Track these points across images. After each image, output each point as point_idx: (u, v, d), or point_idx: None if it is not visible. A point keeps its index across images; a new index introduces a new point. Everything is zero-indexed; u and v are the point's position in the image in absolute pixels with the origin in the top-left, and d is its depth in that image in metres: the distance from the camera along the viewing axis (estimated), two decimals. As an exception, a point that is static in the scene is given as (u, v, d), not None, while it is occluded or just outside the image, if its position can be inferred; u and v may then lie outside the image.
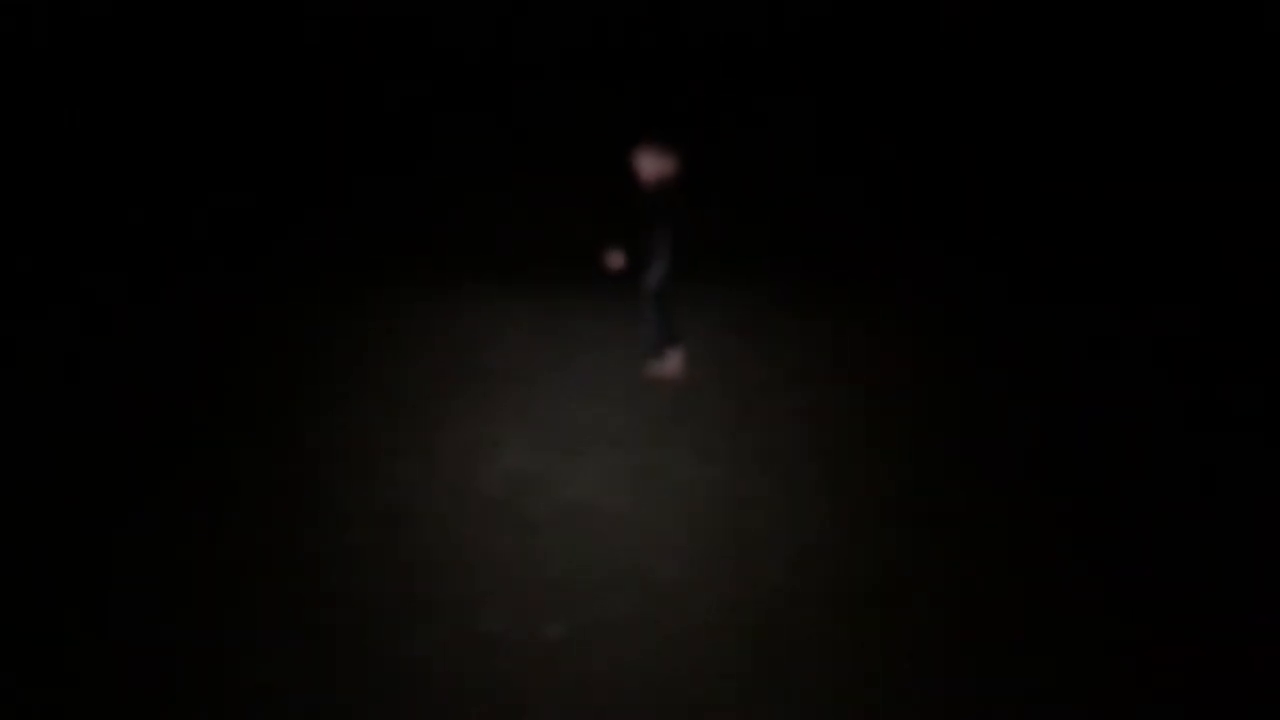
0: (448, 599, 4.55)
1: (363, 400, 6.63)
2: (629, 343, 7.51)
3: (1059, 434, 6.27)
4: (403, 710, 3.88)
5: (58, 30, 14.45)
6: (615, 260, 6.72)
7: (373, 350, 7.52)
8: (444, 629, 4.35)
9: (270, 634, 4.29)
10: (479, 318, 8.23)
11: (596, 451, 5.96)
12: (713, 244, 9.70)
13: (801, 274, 9.59)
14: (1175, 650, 4.25)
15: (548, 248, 10.16)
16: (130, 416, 6.35)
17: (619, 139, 7.19)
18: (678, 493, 5.53)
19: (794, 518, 5.28)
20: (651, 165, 6.63)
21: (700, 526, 5.19)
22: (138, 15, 14.95)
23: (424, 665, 4.12)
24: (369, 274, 9.40)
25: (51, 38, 14.38)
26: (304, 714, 3.84)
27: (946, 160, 13.33)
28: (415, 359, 7.35)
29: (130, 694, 3.93)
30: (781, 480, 5.66)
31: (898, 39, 15.96)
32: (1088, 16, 15.15)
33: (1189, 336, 7.97)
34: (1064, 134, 13.83)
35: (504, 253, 10.12)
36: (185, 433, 6.13)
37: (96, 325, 8.08)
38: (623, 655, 4.19)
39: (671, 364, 7.04)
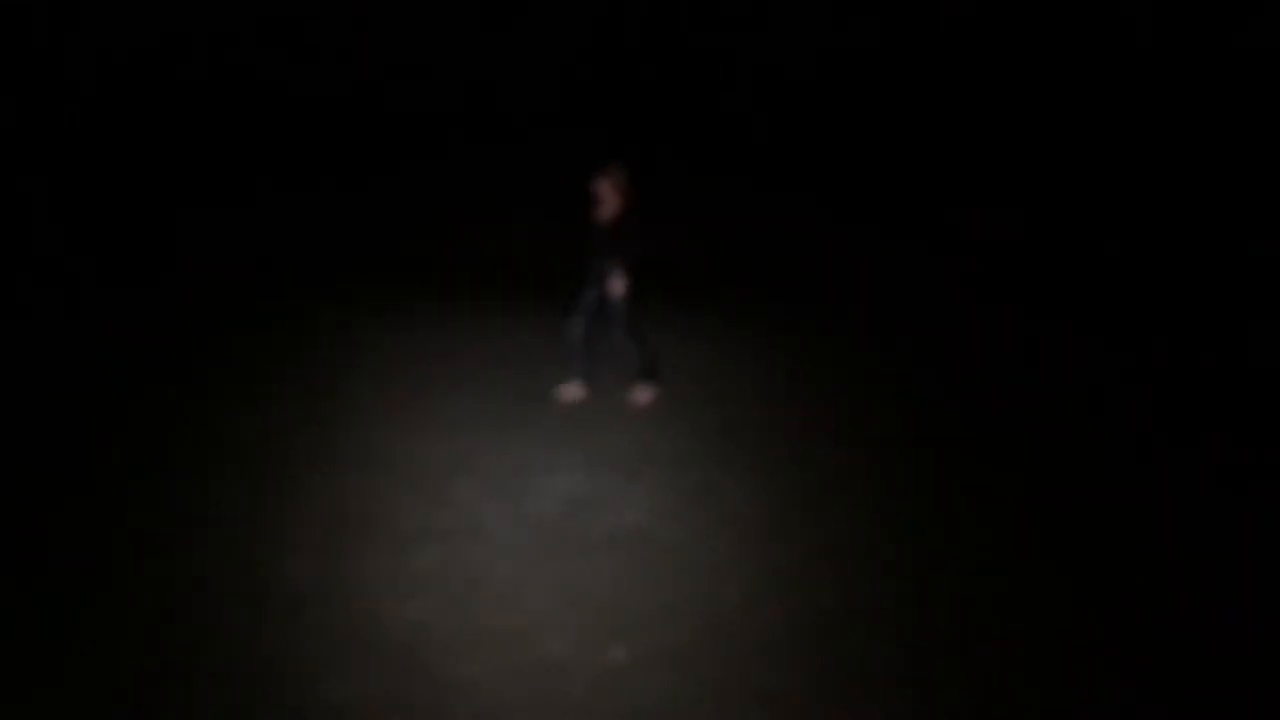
0: (507, 622, 4.57)
1: (410, 417, 6.68)
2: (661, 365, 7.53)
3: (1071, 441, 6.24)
4: (467, 735, 3.90)
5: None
6: (617, 286, 6.66)
7: (415, 364, 7.58)
8: (505, 652, 4.37)
9: (331, 655, 4.32)
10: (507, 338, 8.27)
11: (649, 474, 5.98)
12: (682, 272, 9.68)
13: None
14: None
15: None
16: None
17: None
18: (732, 516, 5.53)
19: (844, 538, 5.27)
20: (611, 193, 6.62)
21: (755, 550, 5.19)
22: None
23: (482, 688, 4.15)
24: (399, 290, 9.48)
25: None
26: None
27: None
28: (456, 376, 7.40)
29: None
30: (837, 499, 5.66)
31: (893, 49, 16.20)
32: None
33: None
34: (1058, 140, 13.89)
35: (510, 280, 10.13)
36: (234, 448, 6.20)
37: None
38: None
39: (646, 393, 7.02)
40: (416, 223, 11.84)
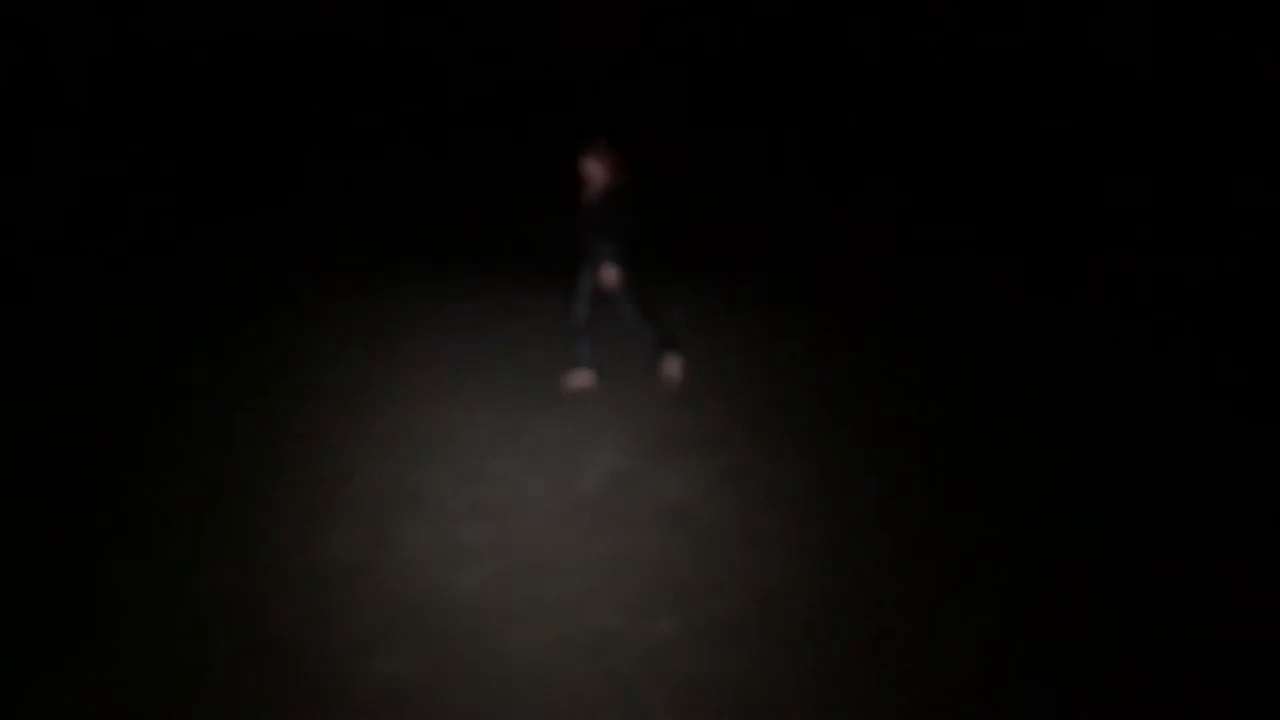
0: (557, 595, 4.67)
1: (456, 396, 6.77)
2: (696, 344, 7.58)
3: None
4: (516, 705, 4.00)
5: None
6: (609, 276, 6.55)
7: (447, 345, 7.66)
8: (557, 623, 4.46)
9: (386, 628, 4.43)
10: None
11: (686, 451, 6.06)
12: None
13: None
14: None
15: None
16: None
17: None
18: (773, 493, 5.60)
19: (890, 516, 5.33)
20: (599, 171, 6.54)
21: (796, 527, 5.27)
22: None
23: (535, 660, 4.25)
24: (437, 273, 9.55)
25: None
26: (421, 714, 3.98)
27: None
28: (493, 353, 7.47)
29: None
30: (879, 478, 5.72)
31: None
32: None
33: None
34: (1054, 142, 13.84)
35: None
36: (285, 424, 6.31)
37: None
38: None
39: (675, 363, 6.95)
40: (434, 201, 11.89)
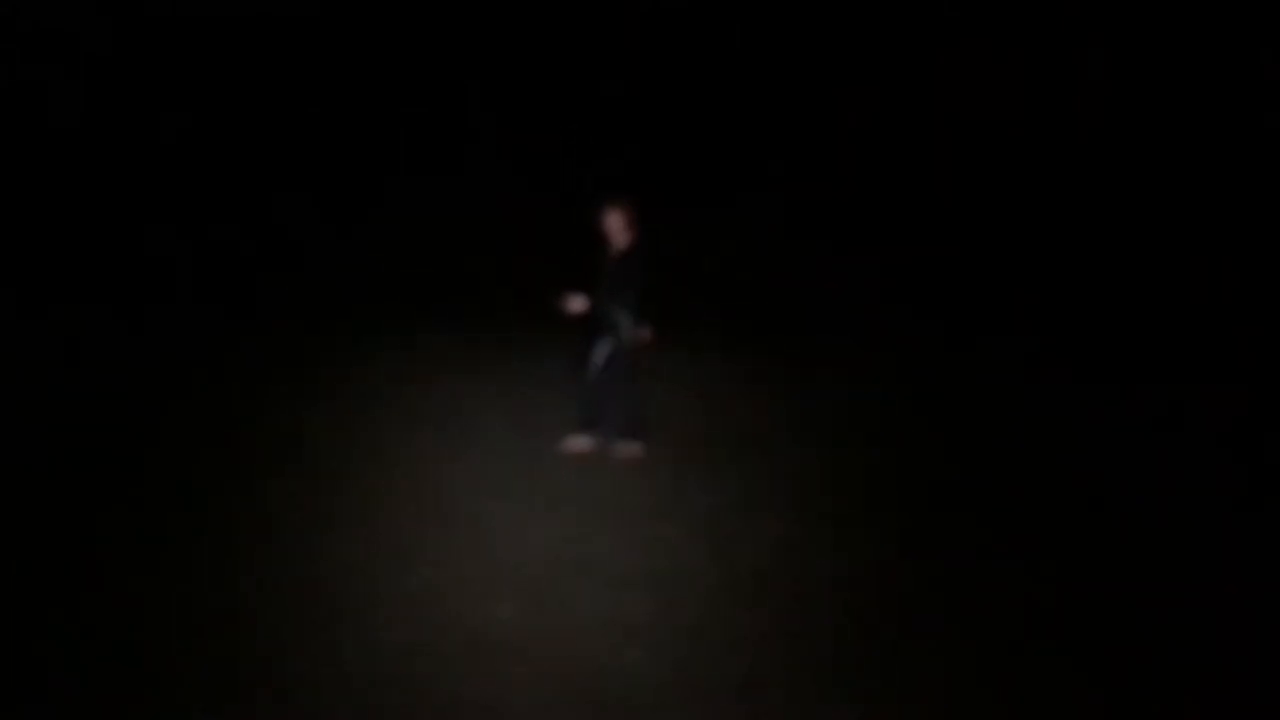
0: (725, 672, 4.49)
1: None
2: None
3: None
4: None
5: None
6: (576, 304, 6.33)
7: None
8: (724, 704, 4.30)
9: (548, 703, 4.33)
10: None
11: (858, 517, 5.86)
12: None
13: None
14: None
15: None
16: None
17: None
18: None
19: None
20: (622, 227, 6.33)
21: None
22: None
23: None
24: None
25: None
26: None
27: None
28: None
29: None
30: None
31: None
32: None
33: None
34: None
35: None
36: (477, 482, 6.38)
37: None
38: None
39: (633, 448, 6.62)
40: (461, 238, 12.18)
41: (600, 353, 6.49)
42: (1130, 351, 9.90)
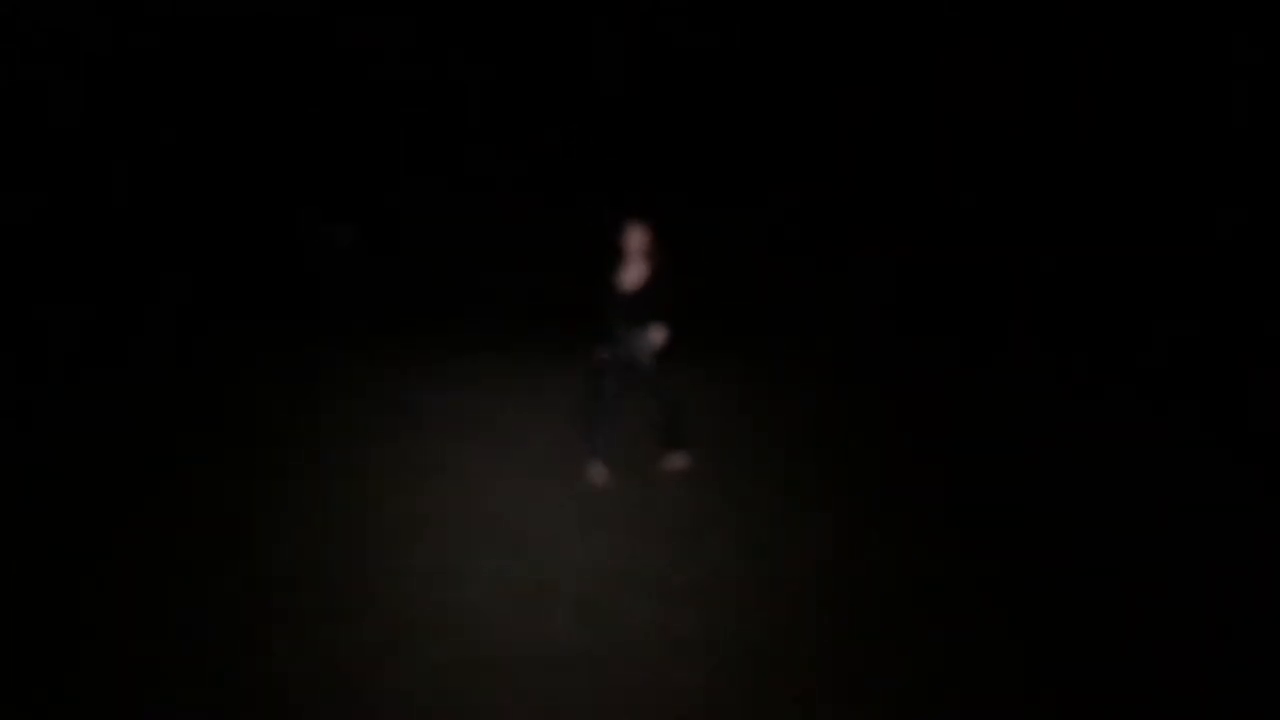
0: (778, 688, 4.56)
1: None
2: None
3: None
4: None
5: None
6: (657, 336, 6.15)
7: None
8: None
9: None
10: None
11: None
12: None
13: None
14: None
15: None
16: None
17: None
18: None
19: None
20: (646, 247, 6.12)
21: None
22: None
23: None
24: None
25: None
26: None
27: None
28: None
29: None
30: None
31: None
32: None
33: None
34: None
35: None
36: (518, 502, 6.43)
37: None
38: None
39: (679, 459, 6.62)
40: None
41: (614, 375, 6.38)
42: (1130, 352, 10.00)
